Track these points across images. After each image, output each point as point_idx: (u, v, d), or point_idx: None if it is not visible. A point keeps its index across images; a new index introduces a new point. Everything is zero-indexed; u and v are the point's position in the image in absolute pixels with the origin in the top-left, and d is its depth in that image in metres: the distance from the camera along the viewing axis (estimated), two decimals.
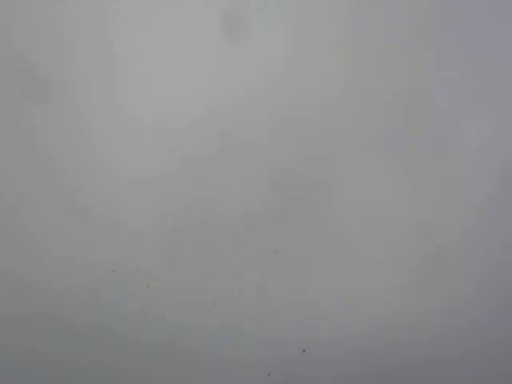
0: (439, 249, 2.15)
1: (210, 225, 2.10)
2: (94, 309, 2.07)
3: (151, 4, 2.01)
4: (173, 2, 2.01)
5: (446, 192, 2.14)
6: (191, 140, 2.07)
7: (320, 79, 2.09)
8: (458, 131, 2.12)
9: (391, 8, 2.05)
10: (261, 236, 2.12)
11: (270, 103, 2.08)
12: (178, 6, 2.01)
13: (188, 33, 2.04)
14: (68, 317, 2.07)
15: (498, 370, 2.17)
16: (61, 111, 2.03)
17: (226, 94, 2.07)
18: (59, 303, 2.06)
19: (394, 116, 2.11)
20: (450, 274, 2.15)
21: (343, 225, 2.14)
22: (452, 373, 2.17)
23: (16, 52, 2.01)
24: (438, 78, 2.10)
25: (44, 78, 2.01)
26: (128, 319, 2.09)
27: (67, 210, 2.06)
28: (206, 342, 2.11)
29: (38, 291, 2.06)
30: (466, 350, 2.15)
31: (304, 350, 2.11)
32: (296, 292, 2.11)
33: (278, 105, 2.08)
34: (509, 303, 2.17)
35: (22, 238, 2.06)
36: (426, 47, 2.09)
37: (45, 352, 2.07)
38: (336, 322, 2.12)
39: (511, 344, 2.18)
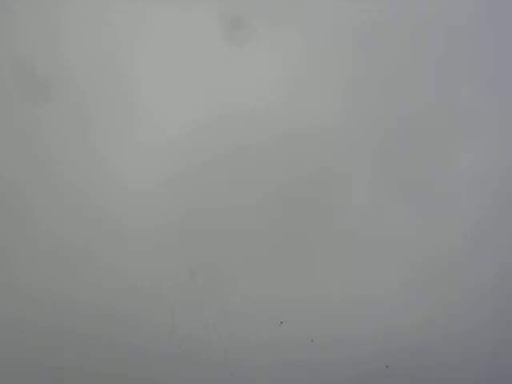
0: (439, 250, 2.15)
1: (210, 225, 2.10)
2: (94, 310, 2.07)
3: (152, 4, 2.01)
4: (175, 2, 2.01)
5: (446, 194, 2.15)
6: (192, 141, 2.07)
7: (322, 83, 2.10)
8: (455, 143, 2.13)
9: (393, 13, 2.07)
10: (261, 236, 2.12)
11: (272, 107, 2.08)
12: (180, 5, 2.01)
13: (190, 35, 2.05)
14: (66, 321, 2.06)
15: (498, 370, 2.17)
16: (61, 111, 2.03)
17: (228, 99, 2.07)
18: (59, 308, 2.06)
19: (392, 124, 2.13)
20: (450, 275, 2.16)
21: (343, 226, 2.14)
22: (452, 374, 2.17)
23: (16, 52, 2.01)
24: (435, 89, 2.12)
25: (44, 78, 2.01)
26: (128, 321, 2.08)
27: (67, 211, 2.06)
28: (207, 343, 2.11)
29: (36, 295, 2.06)
30: (466, 351, 2.15)
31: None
32: (296, 292, 2.11)
33: (280, 109, 2.08)
34: (509, 303, 2.17)
35: (22, 239, 2.05)
36: (424, 59, 2.11)
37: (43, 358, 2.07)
38: (336, 322, 2.12)
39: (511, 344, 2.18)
